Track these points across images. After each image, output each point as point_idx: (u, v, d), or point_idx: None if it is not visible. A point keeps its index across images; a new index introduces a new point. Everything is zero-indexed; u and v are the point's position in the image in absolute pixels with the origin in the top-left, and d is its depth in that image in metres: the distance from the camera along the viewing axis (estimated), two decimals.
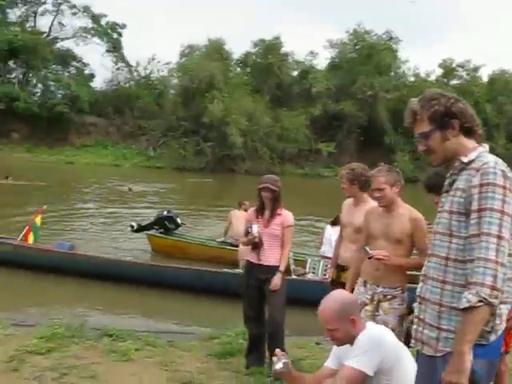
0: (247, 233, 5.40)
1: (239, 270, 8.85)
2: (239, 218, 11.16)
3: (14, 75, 49.70)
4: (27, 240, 10.25)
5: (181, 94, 45.89)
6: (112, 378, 4.97)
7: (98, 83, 53.63)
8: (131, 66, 53.11)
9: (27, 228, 10.36)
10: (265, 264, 5.34)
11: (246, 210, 11.10)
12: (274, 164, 42.47)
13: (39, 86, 50.29)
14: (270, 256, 5.36)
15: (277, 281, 5.27)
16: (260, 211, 5.46)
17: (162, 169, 40.42)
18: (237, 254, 9.52)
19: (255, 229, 5.33)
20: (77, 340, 6.01)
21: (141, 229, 12.08)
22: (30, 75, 49.85)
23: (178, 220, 12.11)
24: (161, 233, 11.89)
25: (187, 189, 30.16)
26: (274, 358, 3.17)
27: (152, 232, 11.95)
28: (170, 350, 5.99)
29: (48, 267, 9.53)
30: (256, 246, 5.35)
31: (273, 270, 5.32)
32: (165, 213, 12.16)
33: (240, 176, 38.75)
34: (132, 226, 12.10)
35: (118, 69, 52.69)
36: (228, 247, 11.12)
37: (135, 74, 53.40)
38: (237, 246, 10.14)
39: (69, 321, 6.62)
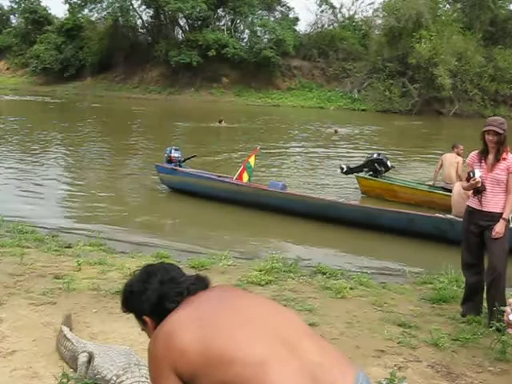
0: (469, 177, 5.16)
1: (451, 216, 8.56)
2: (451, 162, 10.75)
3: (223, 22, 51.80)
4: (241, 179, 10.80)
5: (386, 35, 44.44)
6: (329, 313, 5.13)
7: (302, 26, 54.34)
8: (335, 8, 52.59)
9: (242, 168, 10.90)
10: (487, 210, 5.09)
11: (458, 154, 10.67)
12: (486, 106, 39.83)
13: (246, 31, 51.88)
14: (493, 202, 5.07)
15: (499, 229, 4.99)
16: (483, 155, 5.18)
17: (367, 111, 40.00)
18: (448, 199, 9.18)
19: (478, 173, 5.07)
20: (293, 275, 6.31)
21: (350, 171, 12.11)
22: (238, 22, 51.56)
23: (388, 163, 11.88)
24: (370, 175, 11.83)
25: (393, 131, 29.58)
26: (507, 309, 3.03)
27: (362, 174, 11.93)
28: (383, 291, 6.04)
29: (262, 205, 10.03)
30: (478, 191, 5.10)
31: (495, 216, 5.05)
32: (375, 155, 12.01)
33: (448, 119, 37.10)
34: (342, 168, 12.17)
35: (321, 11, 52.45)
36: (439, 191, 10.77)
37: (339, 15, 52.86)
38: (448, 191, 9.80)
39: (284, 256, 6.93)
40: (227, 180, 10.93)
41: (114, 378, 3.33)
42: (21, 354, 4.11)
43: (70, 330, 4.26)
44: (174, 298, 2.06)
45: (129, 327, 4.29)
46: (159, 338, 1.95)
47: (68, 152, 18.05)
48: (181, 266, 6.24)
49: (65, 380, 2.93)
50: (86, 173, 14.79)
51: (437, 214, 9.10)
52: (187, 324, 1.93)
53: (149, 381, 2.93)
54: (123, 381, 3.26)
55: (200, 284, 2.15)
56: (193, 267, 6.45)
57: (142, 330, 2.17)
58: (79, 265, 6.28)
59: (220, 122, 25.62)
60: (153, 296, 2.09)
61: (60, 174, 14.22)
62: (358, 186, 12.09)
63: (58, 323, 4.53)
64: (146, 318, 2.09)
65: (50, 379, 3.68)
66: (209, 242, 8.29)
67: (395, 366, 4.08)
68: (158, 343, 1.95)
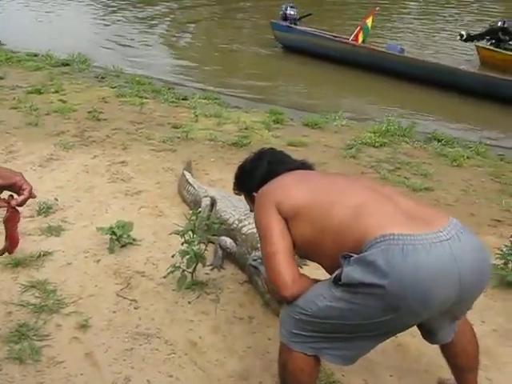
0: None
1: None
2: None
3: None
4: (357, 40, 10.44)
5: None
6: (444, 180, 5.09)
7: None
8: None
9: (358, 28, 10.50)
10: None
11: None
12: None
13: None
14: None
15: None
16: None
17: None
18: None
19: None
20: (407, 140, 6.21)
21: (470, 38, 11.27)
22: None
23: None
24: (491, 44, 10.99)
25: None
26: None
27: (483, 43, 11.11)
28: (501, 163, 5.82)
29: (378, 68, 9.68)
30: None
31: None
32: (499, 23, 10.97)
33: None
34: (461, 35, 11.31)
35: None
36: None
37: None
38: None
39: (399, 121, 6.76)
40: (343, 40, 10.57)
41: (236, 222, 3.48)
42: (146, 195, 4.37)
43: (191, 175, 4.45)
44: (282, 173, 2.23)
45: None
46: (270, 184, 2.17)
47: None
48: (294, 124, 6.32)
49: (194, 218, 3.09)
50: (197, 30, 14.57)
51: None
52: (296, 180, 2.15)
53: None
54: (245, 225, 3.40)
55: (307, 166, 2.36)
56: (306, 125, 6.48)
57: (251, 211, 2.34)
58: (196, 116, 6.44)
59: None
60: (262, 172, 2.30)
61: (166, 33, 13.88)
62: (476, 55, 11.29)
63: (179, 169, 4.74)
64: (256, 195, 2.23)
65: (175, 218, 3.91)
66: (322, 102, 8.20)
67: None
68: (268, 186, 2.16)
